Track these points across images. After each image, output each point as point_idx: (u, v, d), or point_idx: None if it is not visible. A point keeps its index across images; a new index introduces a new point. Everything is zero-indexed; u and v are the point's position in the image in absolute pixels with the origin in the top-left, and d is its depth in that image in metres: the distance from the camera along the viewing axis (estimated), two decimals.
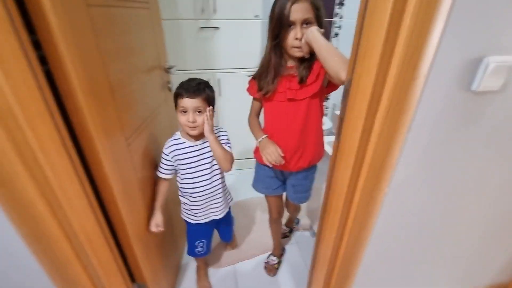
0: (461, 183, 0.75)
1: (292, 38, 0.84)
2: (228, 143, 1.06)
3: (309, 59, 0.89)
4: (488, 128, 0.65)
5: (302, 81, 0.90)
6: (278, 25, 0.83)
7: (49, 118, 0.52)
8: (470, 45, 0.53)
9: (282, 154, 0.96)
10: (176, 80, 1.72)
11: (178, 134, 1.03)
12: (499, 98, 0.60)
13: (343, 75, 0.70)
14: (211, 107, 0.96)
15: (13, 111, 0.47)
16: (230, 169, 1.04)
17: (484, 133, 0.66)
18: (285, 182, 1.17)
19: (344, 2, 1.96)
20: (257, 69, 1.00)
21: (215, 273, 1.41)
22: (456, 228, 0.86)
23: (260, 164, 1.12)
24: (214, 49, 1.72)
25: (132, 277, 0.95)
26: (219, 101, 1.90)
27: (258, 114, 1.11)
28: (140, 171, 0.93)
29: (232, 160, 1.04)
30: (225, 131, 1.08)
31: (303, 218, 1.67)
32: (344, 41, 2.03)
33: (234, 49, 1.75)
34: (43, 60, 0.54)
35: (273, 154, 0.95)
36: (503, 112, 0.63)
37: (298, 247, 1.57)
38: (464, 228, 0.87)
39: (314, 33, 0.79)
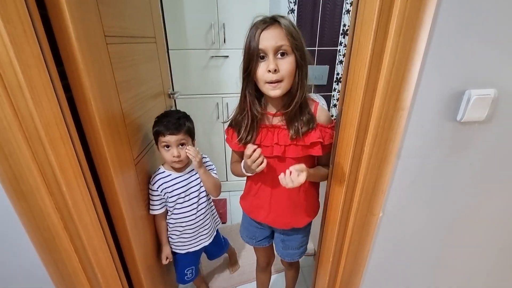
0: (459, 210, 0.75)
1: (264, 71, 0.69)
2: (213, 169, 1.08)
3: (302, 108, 0.75)
4: (480, 155, 0.67)
5: (295, 136, 0.75)
6: (248, 57, 0.70)
7: (69, 140, 0.59)
8: (451, 79, 0.56)
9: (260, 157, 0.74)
10: (182, 103, 1.82)
11: (162, 168, 1.03)
12: (485, 127, 0.63)
13: None
14: (189, 146, 0.95)
15: (39, 133, 0.54)
16: (219, 195, 1.07)
17: (476, 160, 0.67)
18: (273, 234, 1.01)
19: (348, 32, 2.06)
20: (232, 114, 0.84)
21: None
22: (458, 257, 0.85)
23: (244, 213, 1.00)
24: (223, 75, 1.83)
25: None
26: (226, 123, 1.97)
27: (241, 161, 0.87)
28: (144, 187, 0.99)
29: (220, 186, 1.06)
30: (206, 156, 1.08)
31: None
32: None
33: None
34: (66, 88, 0.62)
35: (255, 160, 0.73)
36: (492, 141, 0.65)
37: (302, 272, 1.54)
38: (466, 258, 0.85)
39: (300, 179, 0.68)
